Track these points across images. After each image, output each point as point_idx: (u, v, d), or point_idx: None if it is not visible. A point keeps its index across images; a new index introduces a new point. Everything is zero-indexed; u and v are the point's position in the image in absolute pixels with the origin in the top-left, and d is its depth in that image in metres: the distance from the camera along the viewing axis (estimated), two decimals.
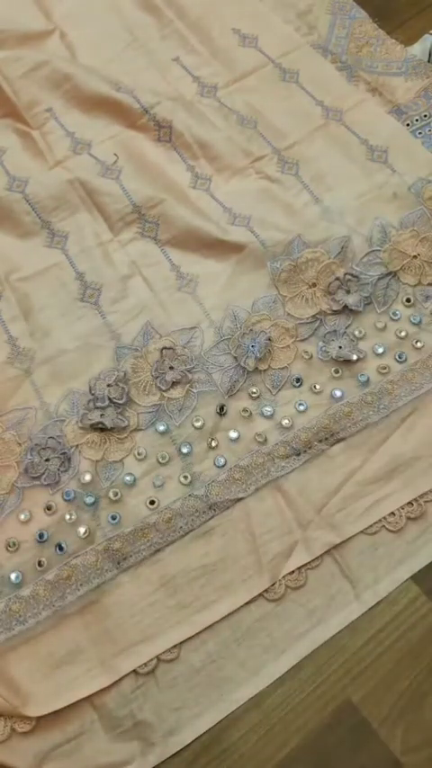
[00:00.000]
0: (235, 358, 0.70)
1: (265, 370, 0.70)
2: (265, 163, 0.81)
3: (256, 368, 0.69)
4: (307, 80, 0.86)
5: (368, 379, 0.69)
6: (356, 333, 0.72)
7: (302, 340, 0.71)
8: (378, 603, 0.61)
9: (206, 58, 0.88)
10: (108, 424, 0.66)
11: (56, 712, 0.56)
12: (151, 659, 0.58)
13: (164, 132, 0.83)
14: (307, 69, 0.87)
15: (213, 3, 0.92)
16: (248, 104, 0.84)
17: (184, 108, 0.83)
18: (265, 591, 0.61)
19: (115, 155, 0.81)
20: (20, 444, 0.66)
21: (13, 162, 0.80)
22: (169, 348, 0.69)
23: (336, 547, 0.63)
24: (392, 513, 0.64)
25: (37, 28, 0.89)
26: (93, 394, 0.67)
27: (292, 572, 0.62)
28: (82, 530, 0.62)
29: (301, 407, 0.68)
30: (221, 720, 0.57)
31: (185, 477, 0.65)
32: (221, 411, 0.68)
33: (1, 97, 0.84)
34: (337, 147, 0.81)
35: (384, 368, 0.70)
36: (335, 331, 0.71)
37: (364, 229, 0.75)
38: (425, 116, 0.84)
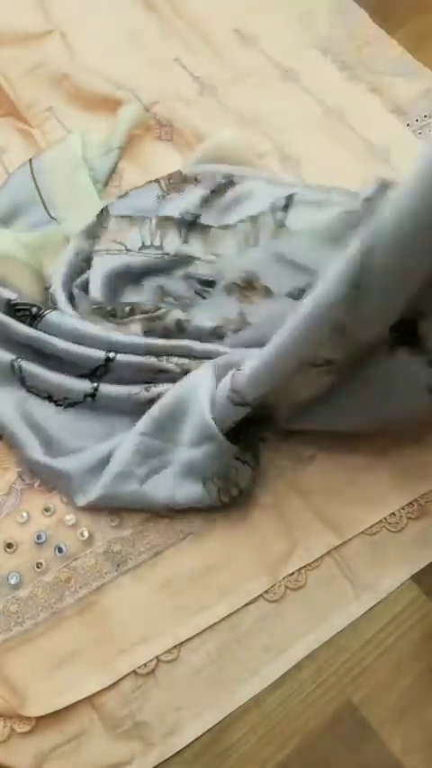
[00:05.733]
0: None
1: None
2: (267, 160, 0.81)
3: None
4: (307, 80, 0.86)
5: None
6: None
7: None
8: (378, 603, 0.61)
9: (206, 57, 0.89)
10: None
11: (56, 712, 0.56)
12: (151, 659, 0.58)
13: (165, 131, 0.83)
14: (307, 69, 0.87)
15: (213, 2, 0.92)
16: (249, 104, 0.84)
17: (184, 107, 0.83)
18: (265, 592, 0.61)
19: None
20: None
21: (13, 161, 0.80)
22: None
23: (336, 547, 0.62)
24: (392, 514, 0.64)
25: (37, 28, 0.89)
26: None
27: (292, 573, 0.62)
28: (81, 532, 0.62)
29: None
30: (221, 720, 0.57)
31: None
32: None
33: (1, 96, 0.84)
34: (339, 146, 0.81)
35: None
36: None
37: None
38: (425, 116, 0.84)
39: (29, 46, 0.88)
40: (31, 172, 0.76)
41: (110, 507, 0.63)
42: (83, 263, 0.70)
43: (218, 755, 0.56)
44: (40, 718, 0.56)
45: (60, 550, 0.62)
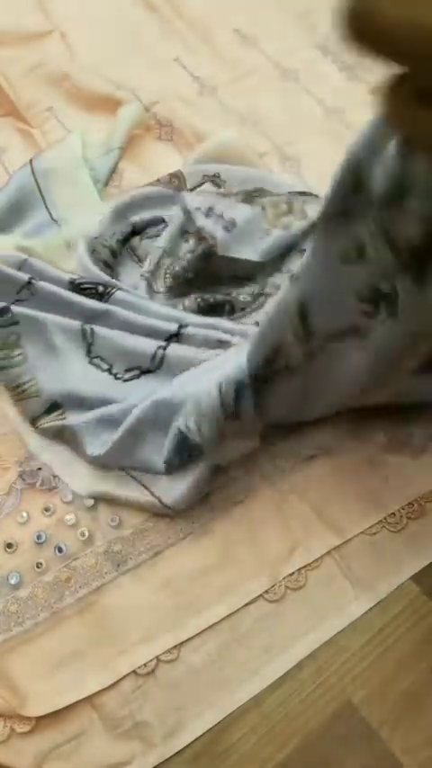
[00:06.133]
0: None
1: None
2: (267, 160, 0.81)
3: None
4: (307, 80, 0.86)
5: None
6: None
7: None
8: (378, 603, 0.61)
9: (206, 57, 0.89)
10: None
11: (56, 712, 0.56)
12: (151, 659, 0.58)
13: (165, 131, 0.83)
14: (307, 69, 0.87)
15: (213, 2, 0.92)
16: (249, 104, 0.85)
17: (184, 106, 0.83)
18: (265, 592, 0.61)
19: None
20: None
21: (13, 161, 0.80)
22: None
23: (336, 547, 0.62)
24: (392, 514, 0.64)
25: (37, 28, 0.90)
26: None
27: (292, 573, 0.62)
28: (81, 532, 0.62)
29: None
30: (221, 720, 0.57)
31: None
32: None
33: (1, 96, 0.84)
34: (339, 146, 0.81)
35: None
36: None
37: None
38: None
39: (29, 46, 0.88)
40: (32, 171, 0.76)
41: (127, 452, 0.63)
42: (103, 266, 0.70)
43: (218, 755, 0.56)
44: (40, 718, 0.56)
45: (60, 550, 0.62)
